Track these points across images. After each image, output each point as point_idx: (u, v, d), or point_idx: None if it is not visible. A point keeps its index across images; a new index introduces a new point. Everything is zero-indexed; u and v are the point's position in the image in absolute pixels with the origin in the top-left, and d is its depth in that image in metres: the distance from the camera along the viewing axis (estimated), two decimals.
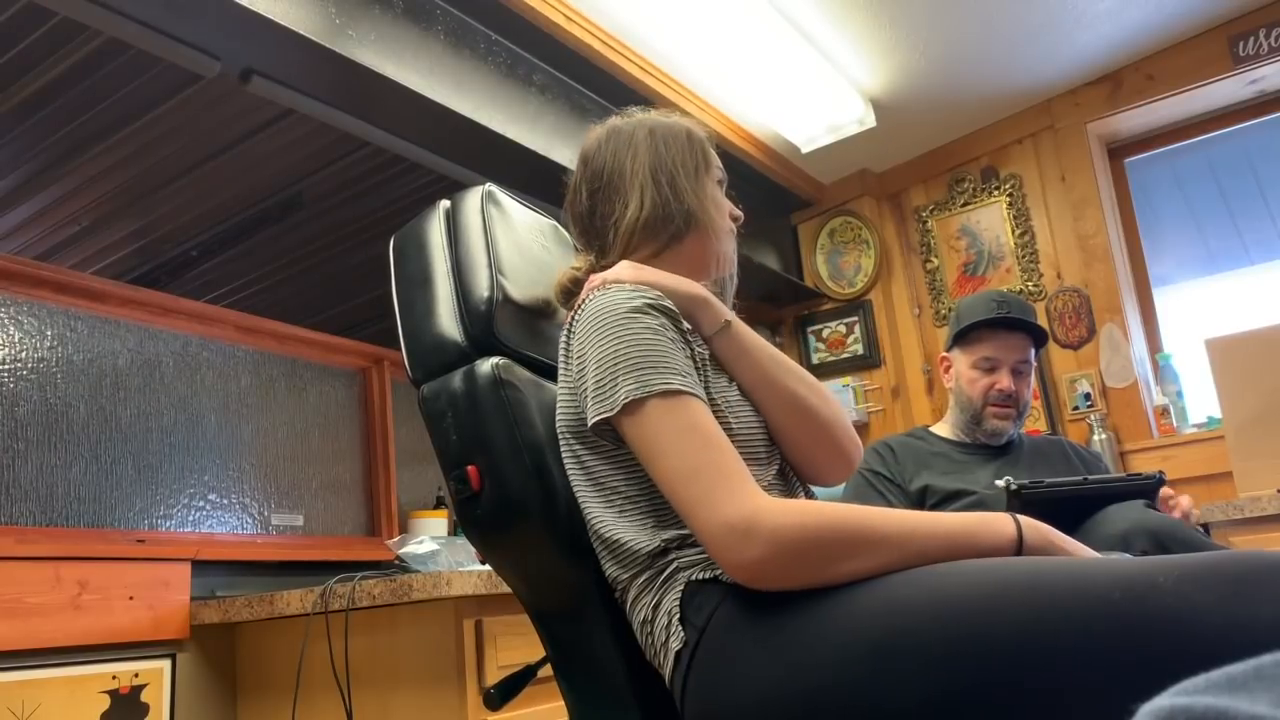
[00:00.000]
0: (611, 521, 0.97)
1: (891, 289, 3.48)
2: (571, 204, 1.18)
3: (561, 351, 1.04)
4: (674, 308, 0.99)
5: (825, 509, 0.85)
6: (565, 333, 1.04)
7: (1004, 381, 1.97)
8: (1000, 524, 0.89)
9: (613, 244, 1.12)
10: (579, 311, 1.01)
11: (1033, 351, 2.02)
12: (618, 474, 0.98)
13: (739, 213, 1.20)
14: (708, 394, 0.97)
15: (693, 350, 0.99)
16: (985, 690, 0.71)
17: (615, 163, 1.13)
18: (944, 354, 2.11)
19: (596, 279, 1.06)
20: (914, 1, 2.58)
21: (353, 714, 1.74)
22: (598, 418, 0.93)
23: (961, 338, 2.03)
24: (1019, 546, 0.88)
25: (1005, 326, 1.98)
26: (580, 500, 1.01)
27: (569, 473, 1.02)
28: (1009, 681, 0.70)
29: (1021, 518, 0.90)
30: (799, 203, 3.57)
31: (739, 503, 0.84)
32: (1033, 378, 2.05)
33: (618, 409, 0.92)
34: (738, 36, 2.54)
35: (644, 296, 0.98)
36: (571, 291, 1.13)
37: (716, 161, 1.18)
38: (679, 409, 0.91)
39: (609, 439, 0.97)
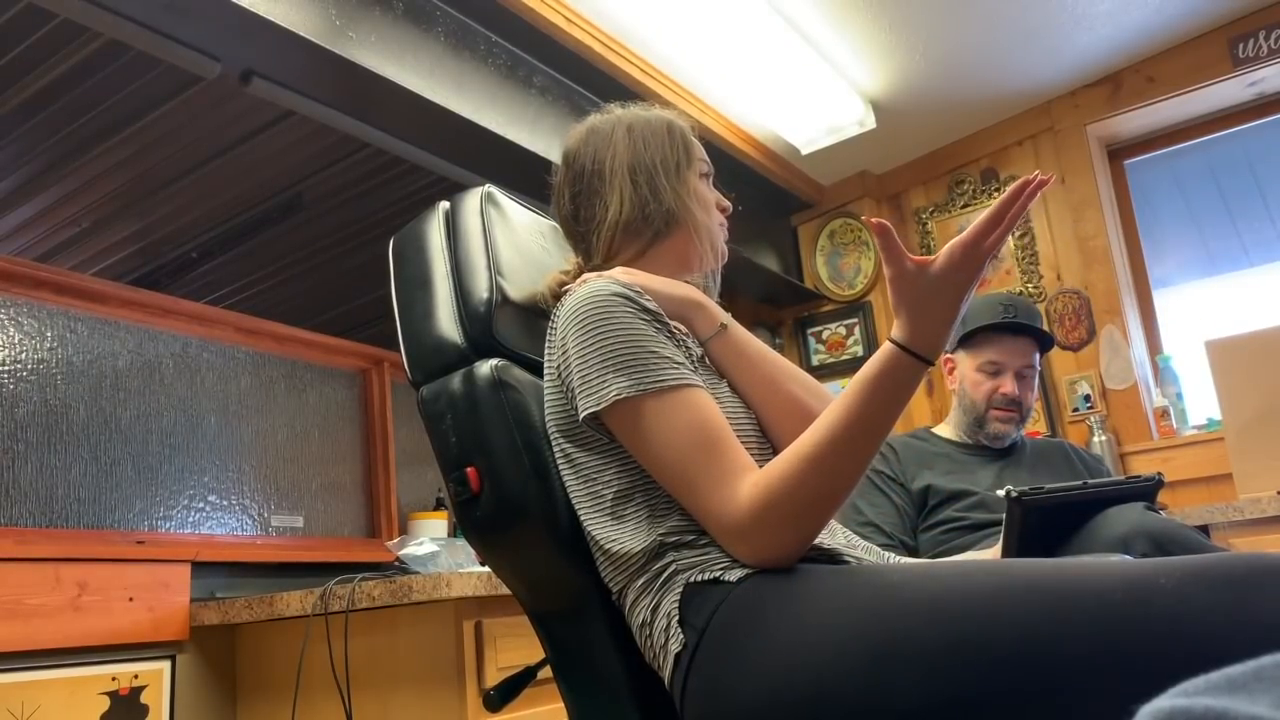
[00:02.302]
0: (605, 524, 0.97)
1: None
2: (557, 207, 1.18)
3: (546, 348, 1.04)
4: (655, 308, 0.99)
5: (774, 469, 0.87)
6: (549, 329, 1.04)
7: (1008, 386, 1.97)
8: (883, 349, 0.89)
9: (596, 246, 1.12)
10: (560, 306, 1.02)
11: (1037, 356, 2.02)
12: (609, 469, 0.98)
13: (727, 203, 1.18)
14: None
15: (677, 341, 0.99)
16: (986, 692, 0.71)
17: (594, 164, 1.12)
18: (948, 355, 2.11)
19: (590, 277, 1.06)
20: (914, 3, 2.58)
21: (352, 716, 1.73)
22: (587, 412, 0.94)
23: (967, 340, 2.03)
24: (903, 348, 0.87)
25: (1011, 331, 1.98)
26: (574, 502, 1.01)
27: (562, 473, 1.02)
28: (1010, 683, 0.70)
29: (897, 328, 0.89)
30: (799, 204, 3.57)
31: (730, 507, 0.87)
32: (1036, 382, 2.04)
33: (606, 404, 0.92)
34: (738, 38, 2.54)
35: (621, 285, 0.98)
36: (559, 295, 1.13)
37: (700, 154, 1.17)
38: (673, 407, 0.91)
39: (601, 433, 0.97)
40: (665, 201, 1.09)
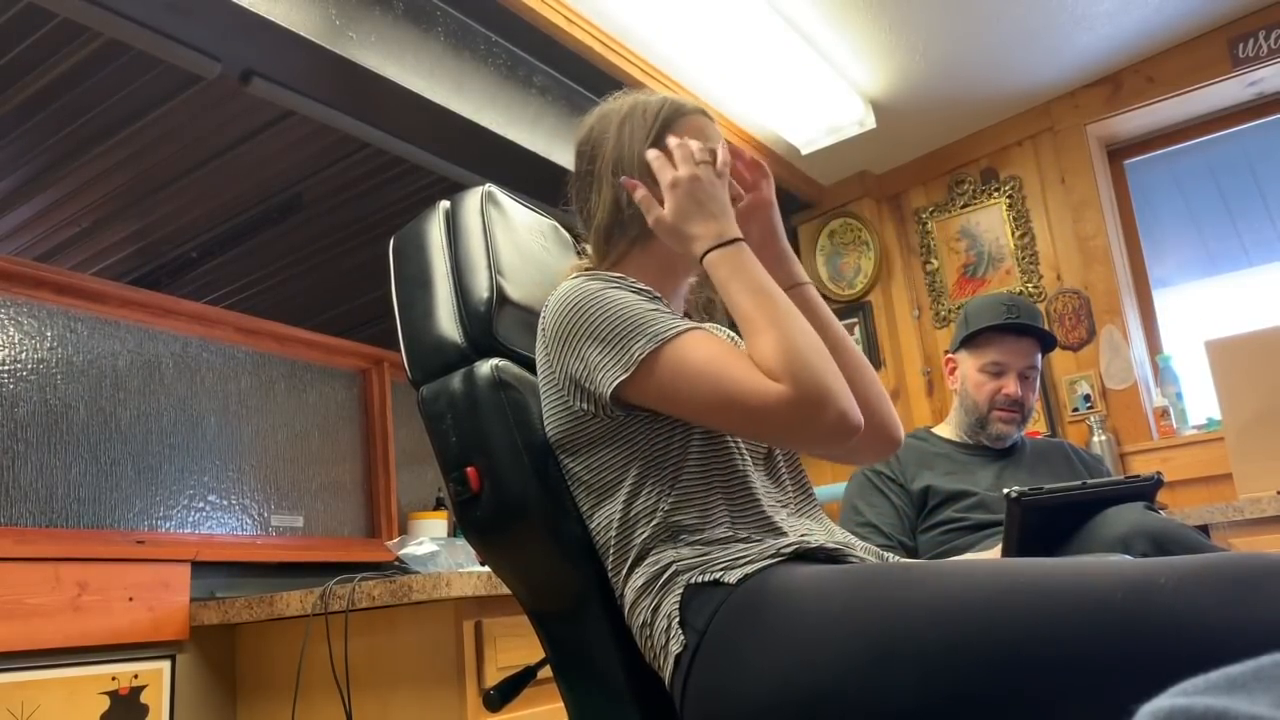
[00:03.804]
0: (609, 523, 0.98)
1: (891, 291, 3.48)
2: (571, 200, 1.18)
3: (538, 356, 1.04)
4: (640, 285, 1.00)
5: (758, 356, 0.92)
6: (539, 336, 1.03)
7: (1011, 386, 1.97)
8: (705, 266, 1.00)
9: (593, 246, 1.12)
10: (543, 313, 1.02)
11: (1039, 357, 2.02)
12: (610, 468, 0.98)
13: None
14: None
15: (661, 300, 1.00)
16: (986, 692, 0.71)
17: (587, 163, 1.12)
18: (949, 355, 2.10)
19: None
20: (914, 3, 2.58)
21: (352, 715, 1.74)
22: (616, 381, 0.93)
23: (970, 341, 2.02)
24: (707, 251, 0.99)
25: (1014, 331, 1.98)
26: (578, 503, 1.01)
27: (564, 475, 1.02)
28: (1010, 683, 0.70)
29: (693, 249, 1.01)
30: (799, 204, 3.57)
31: (771, 389, 0.89)
32: (1038, 382, 2.04)
33: (634, 365, 0.92)
34: (738, 39, 2.54)
35: (593, 273, 1.00)
36: None
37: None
38: (688, 348, 0.93)
39: (620, 409, 0.96)
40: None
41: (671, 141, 1.04)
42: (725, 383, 0.90)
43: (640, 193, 1.03)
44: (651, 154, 1.04)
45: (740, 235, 1.00)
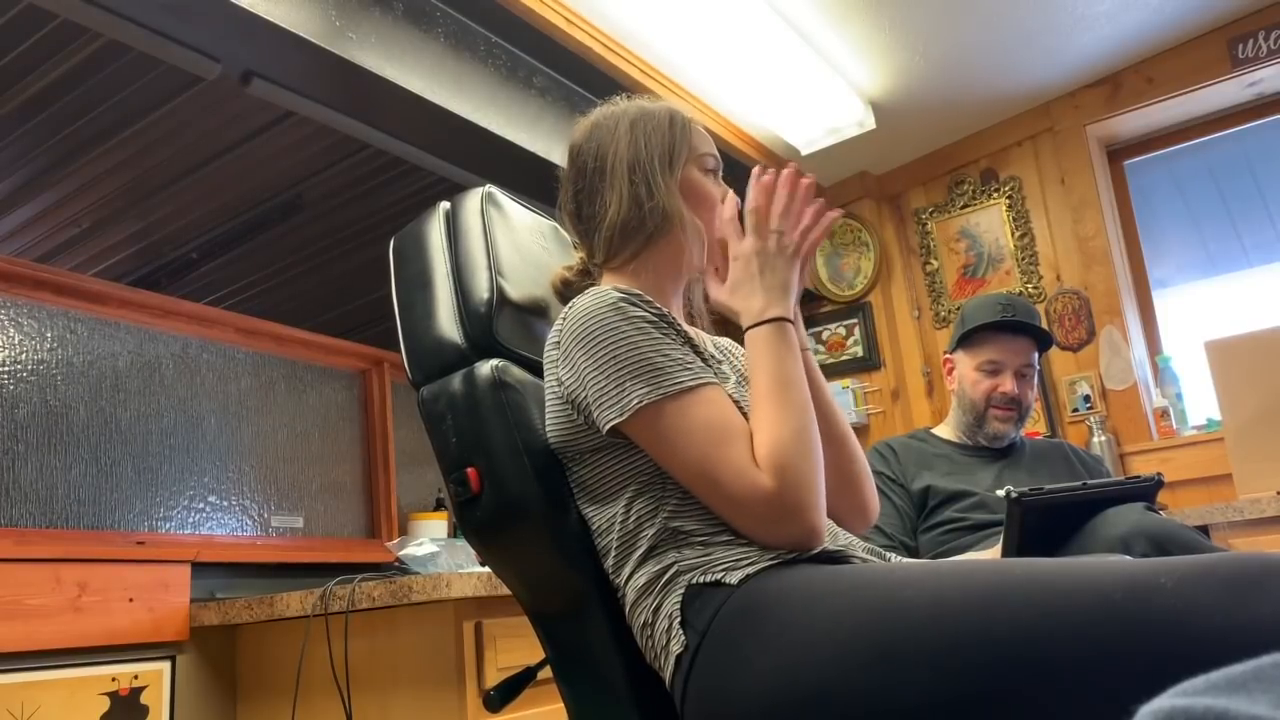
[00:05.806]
0: (610, 525, 0.98)
1: (891, 291, 3.48)
2: (563, 202, 1.17)
3: (546, 359, 1.04)
4: (660, 310, 0.99)
5: (762, 445, 0.92)
6: (550, 340, 1.03)
7: (1007, 385, 1.97)
8: (747, 339, 1.01)
9: (597, 244, 1.12)
10: (562, 318, 1.01)
11: (1036, 355, 2.02)
12: (613, 477, 0.98)
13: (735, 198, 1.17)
14: None
15: (685, 339, 0.99)
16: (986, 690, 0.71)
17: (596, 162, 1.12)
18: (947, 355, 2.11)
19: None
20: (914, 4, 2.58)
21: (352, 716, 1.73)
22: (610, 423, 0.93)
23: (966, 340, 2.03)
24: (752, 326, 1.00)
25: (1010, 330, 1.98)
26: (580, 506, 1.01)
27: (570, 485, 1.02)
28: (1010, 682, 0.70)
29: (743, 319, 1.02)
30: None
31: (759, 490, 0.89)
32: (1036, 381, 2.04)
33: (629, 412, 0.92)
34: (738, 39, 2.54)
35: (621, 291, 0.98)
36: (563, 291, 1.13)
37: (705, 147, 1.15)
38: (690, 407, 0.92)
39: (619, 438, 0.97)
40: (660, 200, 1.08)
41: (754, 197, 1.03)
42: (714, 457, 0.91)
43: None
44: (728, 215, 1.07)
45: (784, 314, 1.00)
